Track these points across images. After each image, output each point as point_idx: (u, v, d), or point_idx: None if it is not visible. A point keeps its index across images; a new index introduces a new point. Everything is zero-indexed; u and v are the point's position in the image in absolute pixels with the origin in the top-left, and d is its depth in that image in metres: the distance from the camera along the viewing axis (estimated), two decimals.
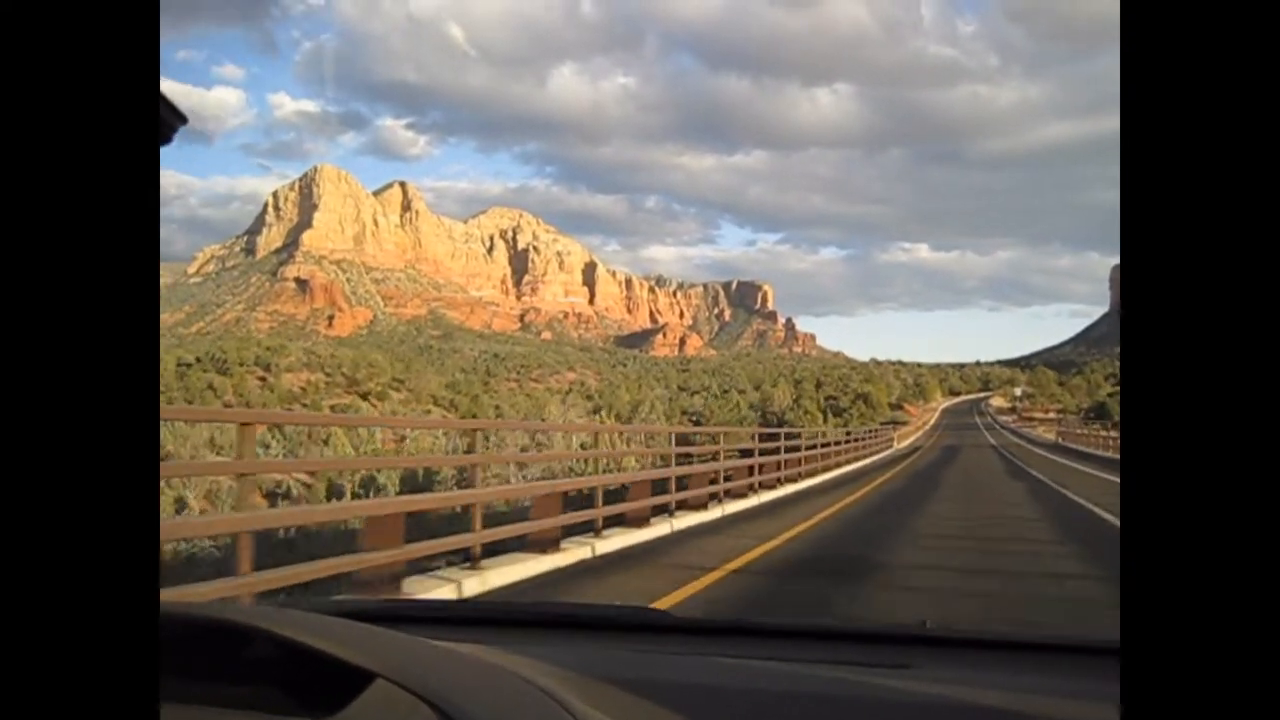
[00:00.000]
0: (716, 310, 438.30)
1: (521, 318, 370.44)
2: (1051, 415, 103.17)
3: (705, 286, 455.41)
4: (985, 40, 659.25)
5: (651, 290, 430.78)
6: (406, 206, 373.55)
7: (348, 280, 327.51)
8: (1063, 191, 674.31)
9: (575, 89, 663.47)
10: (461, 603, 5.21)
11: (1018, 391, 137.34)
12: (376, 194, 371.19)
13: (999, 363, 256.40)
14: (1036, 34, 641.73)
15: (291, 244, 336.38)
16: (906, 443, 52.33)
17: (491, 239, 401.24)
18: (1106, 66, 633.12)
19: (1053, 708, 1.40)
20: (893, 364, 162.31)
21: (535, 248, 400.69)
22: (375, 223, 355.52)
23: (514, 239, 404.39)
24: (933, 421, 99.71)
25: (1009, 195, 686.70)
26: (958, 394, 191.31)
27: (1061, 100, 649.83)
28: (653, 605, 3.04)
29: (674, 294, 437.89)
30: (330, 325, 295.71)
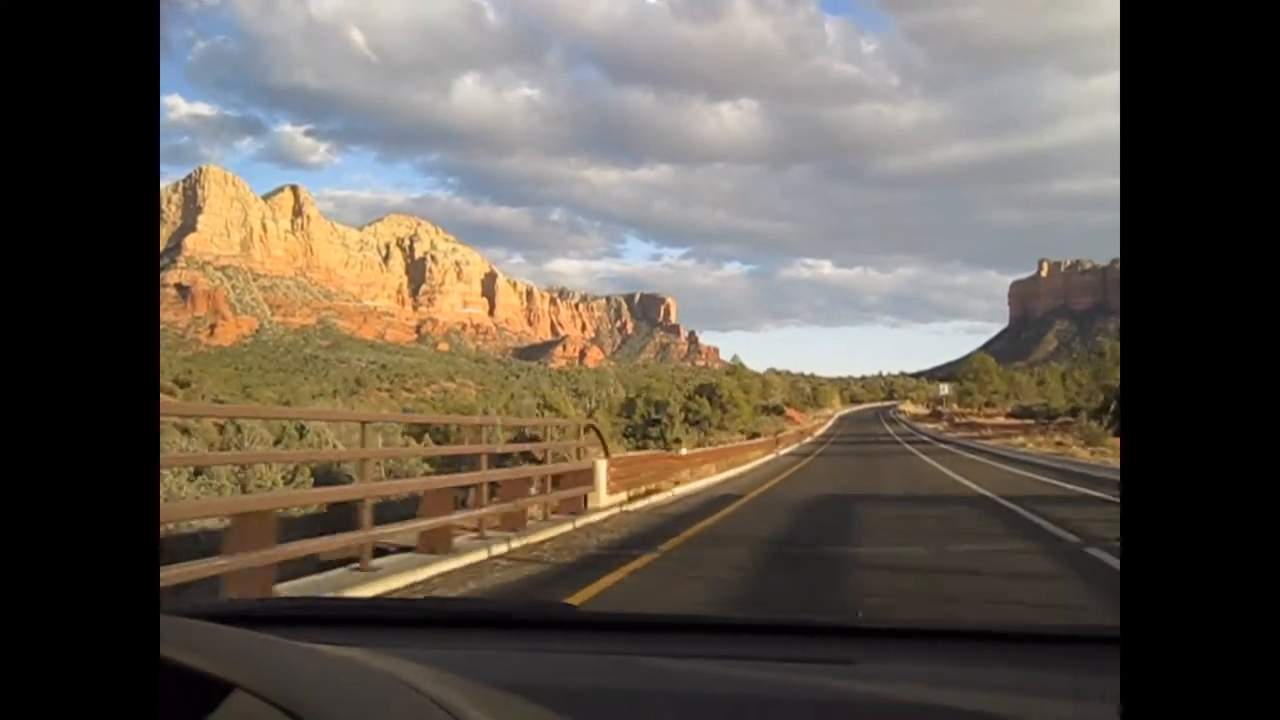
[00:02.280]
0: (619, 323, 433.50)
1: (418, 329, 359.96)
2: (1002, 419, 73.26)
3: (608, 299, 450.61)
4: (887, 60, 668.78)
5: (553, 302, 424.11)
6: (298, 212, 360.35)
7: (233, 287, 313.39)
8: (962, 211, 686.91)
9: (479, 99, 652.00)
10: (355, 601, 4.57)
11: (944, 389, 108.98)
12: (266, 198, 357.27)
13: (902, 375, 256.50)
14: (936, 55, 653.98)
15: (173, 248, 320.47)
16: (684, 490, 19.10)
17: (388, 247, 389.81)
18: (1004, 89, 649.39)
19: (1014, 703, 1.34)
20: (791, 375, 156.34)
21: (433, 257, 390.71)
22: (264, 228, 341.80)
23: (411, 248, 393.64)
24: (820, 431, 73.00)
25: (910, 213, 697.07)
26: (859, 402, 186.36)
27: (960, 121, 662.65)
28: None
29: (576, 306, 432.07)
30: (212, 334, 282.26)
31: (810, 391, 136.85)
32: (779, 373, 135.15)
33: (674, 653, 1.65)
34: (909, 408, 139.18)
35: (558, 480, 12.86)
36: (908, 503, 15.92)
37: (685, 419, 46.21)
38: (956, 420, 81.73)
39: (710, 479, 22.75)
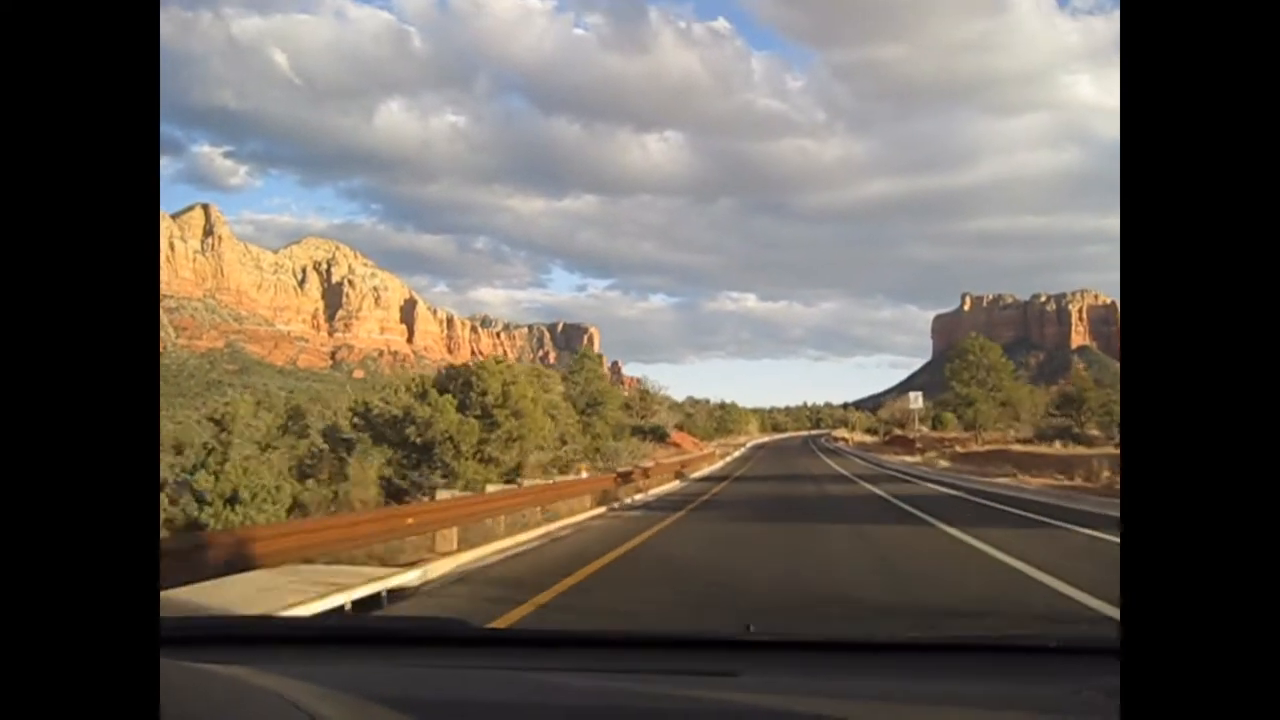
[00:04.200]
0: (541, 352, 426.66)
1: (333, 355, 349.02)
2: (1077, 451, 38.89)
3: (530, 328, 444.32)
4: (812, 96, 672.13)
5: (474, 330, 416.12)
6: (209, 231, 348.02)
7: None
8: (884, 246, 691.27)
9: (404, 125, 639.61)
10: (250, 619, 4.25)
11: (915, 400, 68.34)
12: (175, 216, 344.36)
13: (828, 405, 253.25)
14: (860, 93, 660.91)
15: None
16: None
17: (304, 271, 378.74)
18: (924, 128, 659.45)
19: (892, 712, 1.41)
20: (710, 405, 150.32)
21: (351, 282, 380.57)
22: (172, 247, 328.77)
23: (328, 272, 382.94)
24: (709, 469, 45.91)
25: (833, 248, 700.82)
26: (782, 430, 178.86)
27: (883, 158, 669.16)
28: None
29: (498, 335, 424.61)
30: None
31: (719, 415, 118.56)
32: (696, 401, 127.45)
33: (563, 667, 1.69)
34: (848, 434, 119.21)
35: None
36: None
37: (406, 452, 22.59)
38: (954, 447, 52.53)
39: None
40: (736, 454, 69.42)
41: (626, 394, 70.12)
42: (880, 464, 48.70)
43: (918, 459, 49.30)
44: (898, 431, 78.99)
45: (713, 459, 54.92)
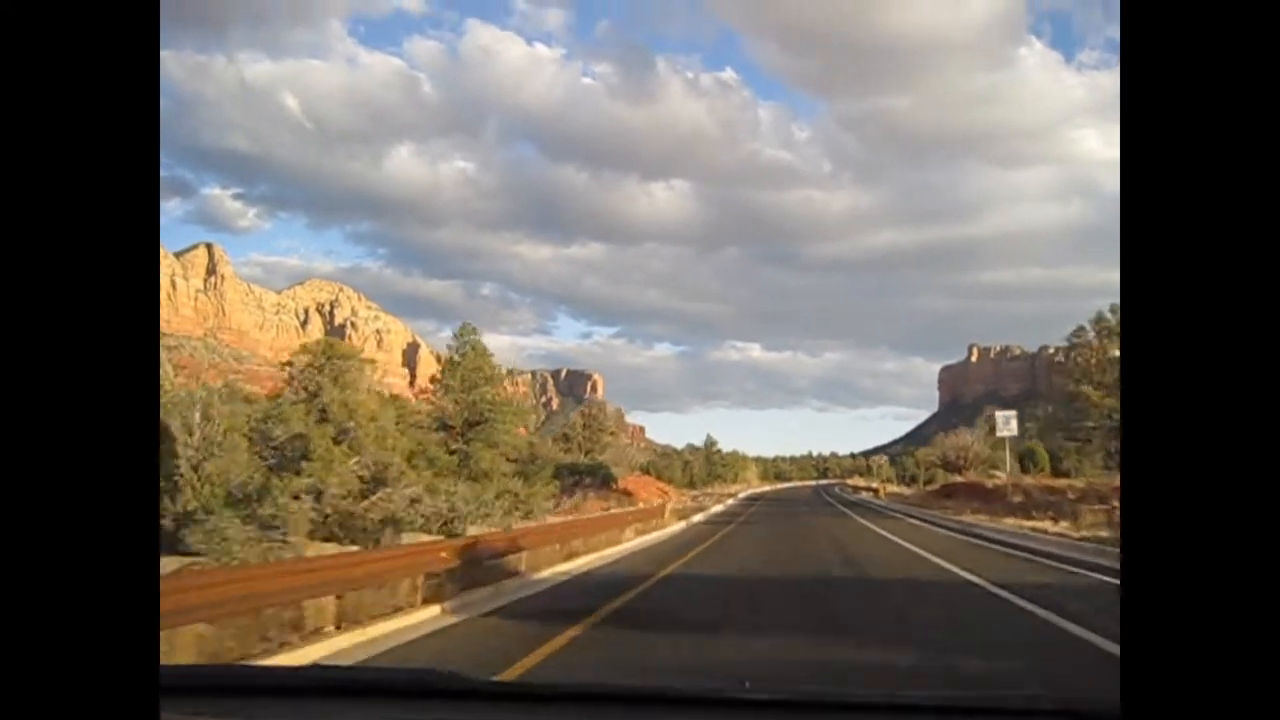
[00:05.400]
0: (545, 399, 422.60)
1: None
2: None
3: (534, 374, 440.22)
4: (819, 146, 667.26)
5: None
6: (211, 270, 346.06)
7: None
8: (889, 297, 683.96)
9: (412, 170, 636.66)
10: (244, 669, 4.46)
11: (1007, 425, 42.73)
12: (178, 255, 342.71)
13: (834, 455, 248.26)
14: (867, 144, 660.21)
15: None
16: None
17: (307, 312, 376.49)
18: (931, 179, 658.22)
19: None
20: (704, 450, 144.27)
21: (353, 323, 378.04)
22: (173, 285, 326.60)
23: (331, 313, 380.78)
24: (625, 545, 21.59)
25: (839, 299, 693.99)
26: (786, 479, 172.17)
27: (889, 209, 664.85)
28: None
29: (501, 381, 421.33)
30: None
31: (711, 458, 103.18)
32: (695, 449, 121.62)
33: None
34: (867, 482, 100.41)
35: None
36: None
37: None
38: (1107, 502, 27.25)
39: None
40: (716, 508, 47.56)
41: (578, 419, 51.67)
42: (1020, 546, 21.56)
43: (1062, 527, 24.66)
44: (957, 478, 51.76)
45: (659, 518, 32.52)
